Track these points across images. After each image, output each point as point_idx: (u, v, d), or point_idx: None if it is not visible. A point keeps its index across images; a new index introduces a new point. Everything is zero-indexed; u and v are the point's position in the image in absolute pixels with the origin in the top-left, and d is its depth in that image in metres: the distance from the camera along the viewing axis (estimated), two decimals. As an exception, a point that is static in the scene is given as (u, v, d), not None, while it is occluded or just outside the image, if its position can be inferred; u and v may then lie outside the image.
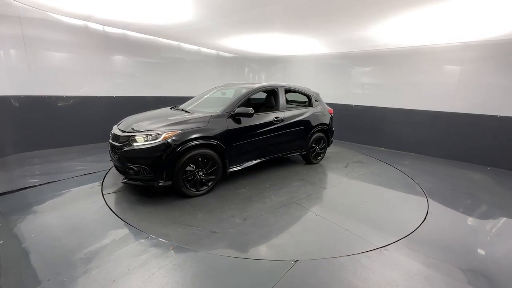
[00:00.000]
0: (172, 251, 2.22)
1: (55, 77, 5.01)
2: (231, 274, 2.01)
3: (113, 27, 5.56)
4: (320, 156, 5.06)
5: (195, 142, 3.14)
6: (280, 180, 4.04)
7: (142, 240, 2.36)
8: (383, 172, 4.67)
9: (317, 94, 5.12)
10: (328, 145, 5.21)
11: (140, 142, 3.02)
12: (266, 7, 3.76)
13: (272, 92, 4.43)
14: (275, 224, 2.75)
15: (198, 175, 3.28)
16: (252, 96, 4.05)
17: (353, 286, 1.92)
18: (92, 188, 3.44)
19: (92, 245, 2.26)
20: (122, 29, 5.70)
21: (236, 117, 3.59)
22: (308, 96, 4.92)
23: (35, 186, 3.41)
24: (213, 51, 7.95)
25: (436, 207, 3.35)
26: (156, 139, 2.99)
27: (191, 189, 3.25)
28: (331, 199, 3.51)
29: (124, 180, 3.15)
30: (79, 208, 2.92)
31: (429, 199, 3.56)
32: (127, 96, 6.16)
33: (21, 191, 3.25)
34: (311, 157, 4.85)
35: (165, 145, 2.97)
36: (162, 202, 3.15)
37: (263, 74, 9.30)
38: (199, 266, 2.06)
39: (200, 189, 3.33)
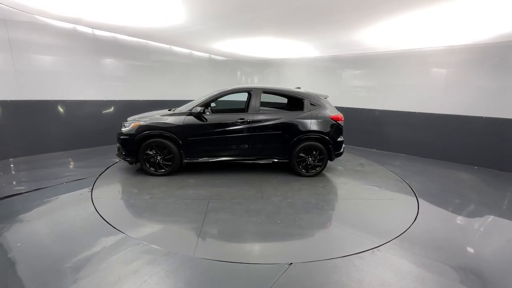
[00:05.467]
0: (164, 257, 2.18)
1: (43, 82, 4.90)
2: (224, 279, 1.99)
3: (102, 30, 5.49)
4: (315, 170, 4.39)
5: (147, 132, 3.99)
6: (232, 181, 4.03)
7: (133, 247, 2.31)
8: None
9: (318, 97, 4.43)
10: (331, 159, 4.43)
11: (124, 129, 4.09)
12: (257, 11, 3.79)
13: (247, 94, 4.48)
14: (162, 208, 3.13)
15: (157, 159, 4.07)
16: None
17: (347, 287, 1.93)
18: (81, 194, 3.36)
19: (82, 253, 2.20)
20: (112, 32, 5.64)
21: (196, 115, 4.05)
22: (300, 100, 4.39)
23: (21, 193, 3.30)
24: (205, 54, 7.95)
25: (426, 207, 3.41)
26: (128, 127, 4.06)
27: (150, 168, 4.12)
28: (253, 205, 3.24)
29: (116, 153, 4.28)
30: (68, 215, 2.85)
31: (419, 199, 3.62)
32: (118, 100, 6.08)
33: (6, 199, 3.14)
34: (298, 168, 4.32)
35: (130, 132, 4.00)
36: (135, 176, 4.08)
37: (255, 77, 9.34)
38: (192, 272, 2.03)
39: (159, 171, 4.14)
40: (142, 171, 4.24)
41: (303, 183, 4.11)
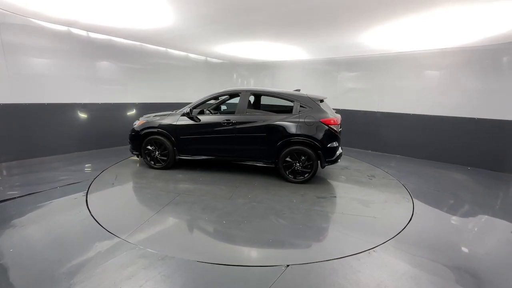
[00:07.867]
0: (160, 261, 2.16)
1: (36, 84, 4.84)
2: (221, 282, 1.98)
3: (97, 33, 5.46)
4: (304, 176, 4.09)
5: (148, 129, 4.48)
6: (215, 180, 4.18)
7: (129, 251, 2.29)
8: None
9: (311, 99, 4.12)
10: (322, 166, 4.10)
11: (134, 126, 4.64)
12: (250, 15, 3.81)
13: (236, 96, 4.56)
14: (137, 195, 3.62)
15: (155, 154, 4.53)
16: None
17: (344, 289, 1.93)
18: (76, 198, 3.32)
19: (76, 259, 2.17)
20: (107, 35, 5.61)
21: (187, 116, 4.35)
22: (290, 102, 4.23)
23: (14, 198, 3.25)
24: (201, 57, 7.96)
25: (421, 207, 3.45)
26: (136, 124, 4.62)
27: (151, 162, 4.61)
28: (213, 204, 3.29)
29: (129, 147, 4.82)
30: (62, 219, 2.81)
31: (414, 200, 3.66)
32: (113, 103, 6.03)
33: (-1, 204, 3.10)
34: (285, 173, 4.12)
35: (137, 129, 4.56)
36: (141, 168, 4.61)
37: (252, 79, 9.37)
38: (189, 276, 2.02)
39: (157, 164, 4.60)
40: (145, 166, 4.74)
41: (285, 189, 3.89)
